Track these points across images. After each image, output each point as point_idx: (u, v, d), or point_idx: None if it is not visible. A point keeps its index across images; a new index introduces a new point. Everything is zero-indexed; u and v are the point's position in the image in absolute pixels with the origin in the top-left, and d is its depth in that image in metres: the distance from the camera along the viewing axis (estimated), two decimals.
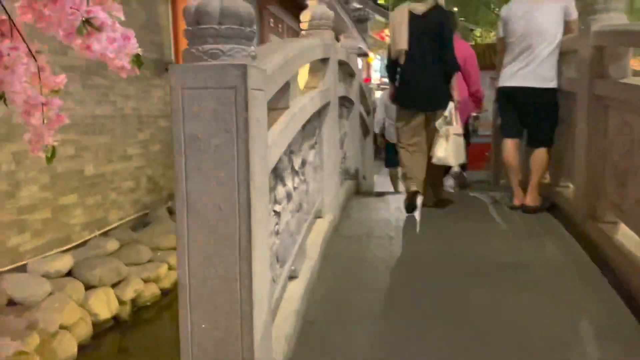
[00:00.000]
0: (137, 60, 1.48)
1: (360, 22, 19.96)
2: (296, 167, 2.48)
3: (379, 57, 27.23)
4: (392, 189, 7.54)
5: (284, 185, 2.26)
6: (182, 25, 5.85)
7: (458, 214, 3.78)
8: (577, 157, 3.28)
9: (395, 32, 3.75)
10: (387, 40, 23.49)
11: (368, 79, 29.41)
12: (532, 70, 3.59)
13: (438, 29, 3.65)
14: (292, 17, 12.20)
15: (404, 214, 3.72)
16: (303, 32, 3.32)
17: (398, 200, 4.34)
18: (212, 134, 1.51)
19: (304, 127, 2.69)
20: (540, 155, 3.65)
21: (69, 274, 4.26)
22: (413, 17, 3.67)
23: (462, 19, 22.74)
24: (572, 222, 3.23)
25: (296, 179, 2.51)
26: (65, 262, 4.24)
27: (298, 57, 2.32)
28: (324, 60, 3.21)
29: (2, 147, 4.01)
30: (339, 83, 3.86)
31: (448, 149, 3.64)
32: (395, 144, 4.11)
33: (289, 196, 2.35)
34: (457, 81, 3.81)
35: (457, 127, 3.72)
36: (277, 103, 2.33)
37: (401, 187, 4.45)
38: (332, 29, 3.41)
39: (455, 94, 3.77)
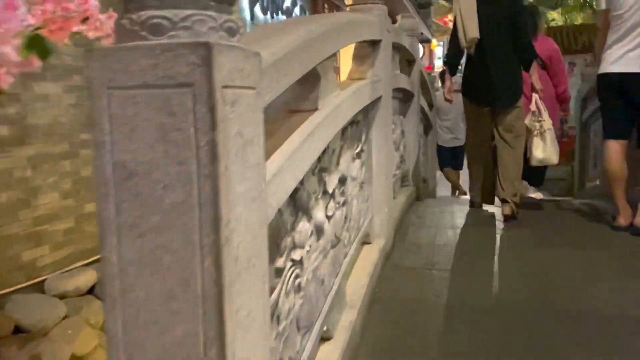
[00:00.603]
0: (35, 43, 0.88)
1: (423, 6, 18.89)
2: (330, 189, 1.81)
3: (442, 43, 25.92)
4: (450, 190, 6.79)
5: (310, 218, 1.60)
6: None
7: (544, 233, 2.99)
8: None
9: (463, 19, 3.29)
10: (450, 24, 22.30)
11: (430, 67, 28.17)
12: None
13: (511, 13, 3.25)
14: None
15: (471, 234, 2.98)
16: (347, 8, 2.62)
17: (462, 212, 3.59)
18: (155, 167, 0.87)
19: (343, 131, 2.02)
20: None
21: (91, 291, 3.80)
22: (482, 1, 3.27)
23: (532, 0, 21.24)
24: None
25: (331, 204, 1.84)
26: (87, 278, 3.78)
27: (326, 38, 1.64)
28: (374, 44, 2.51)
29: (16, 151, 3.57)
30: (394, 72, 3.15)
31: (547, 148, 3.31)
32: (463, 146, 3.57)
33: (319, 232, 1.69)
34: (536, 70, 3.38)
35: (548, 121, 3.34)
36: (301, 104, 1.67)
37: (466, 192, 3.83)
38: (387, 5, 2.70)
39: (536, 82, 3.35)
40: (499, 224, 3.24)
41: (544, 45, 3.89)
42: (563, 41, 8.73)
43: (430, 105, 5.57)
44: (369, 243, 2.53)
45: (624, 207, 2.90)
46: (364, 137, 2.41)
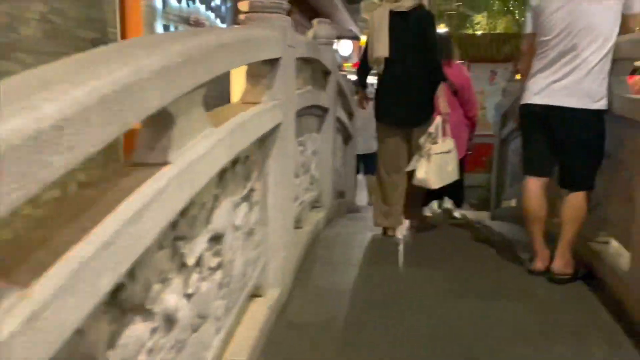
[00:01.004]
0: None
1: (352, 2, 18.67)
2: (191, 261, 1.39)
3: None
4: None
5: (149, 315, 1.17)
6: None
7: (456, 276, 2.71)
8: (637, 211, 2.21)
9: (373, 36, 3.26)
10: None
11: (358, 64, 28.14)
12: (574, 83, 2.51)
13: (422, 31, 3.21)
14: None
15: (380, 275, 2.67)
16: (242, 17, 2.19)
17: (373, 239, 3.30)
18: None
19: (221, 176, 1.60)
20: (576, 201, 2.58)
21: None
22: (394, 18, 3.19)
23: (459, 4, 21.48)
24: (628, 313, 2.18)
25: (194, 278, 1.42)
26: None
27: (187, 67, 1.21)
28: (272, 61, 2.09)
29: None
30: (304, 88, 2.76)
31: (429, 170, 3.18)
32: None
33: (169, 322, 1.27)
34: (444, 92, 3.34)
35: (442, 145, 3.24)
36: (146, 155, 1.23)
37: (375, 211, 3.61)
38: (288, 13, 2.29)
39: (442, 104, 3.29)
40: (409, 260, 2.96)
41: (457, 73, 3.93)
42: (485, 49, 8.75)
43: (350, 114, 5.26)
44: (260, 296, 2.14)
45: (542, 249, 2.68)
46: (255, 173, 2.00)
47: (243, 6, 2.17)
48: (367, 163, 6.60)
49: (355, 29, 17.29)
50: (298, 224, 2.96)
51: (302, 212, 3.00)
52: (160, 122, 1.22)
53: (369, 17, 3.42)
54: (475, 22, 25.45)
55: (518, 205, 4.46)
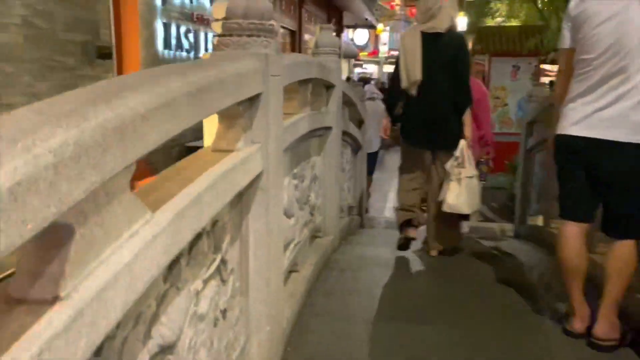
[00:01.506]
0: None
1: None
2: None
3: (388, 28, 25.18)
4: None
5: None
6: None
7: (468, 340, 2.29)
8: None
9: (407, 59, 3.17)
10: (397, 9, 21.55)
11: (375, 52, 27.50)
12: (622, 113, 2.05)
13: (453, 55, 3.16)
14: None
15: (391, 339, 2.26)
16: (215, 41, 1.78)
17: (386, 276, 2.90)
18: None
19: (170, 267, 1.22)
20: (624, 251, 2.15)
21: None
22: (426, 41, 3.15)
23: None
24: None
25: None
26: None
27: (110, 143, 0.81)
28: (251, 98, 1.68)
29: None
30: (294, 118, 2.35)
31: (460, 195, 3.17)
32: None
33: None
34: (469, 117, 3.29)
35: (470, 169, 3.24)
36: (27, 289, 0.85)
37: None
38: (275, 33, 1.87)
39: (467, 130, 3.28)
40: (420, 311, 2.55)
41: (475, 87, 3.69)
42: (508, 43, 8.20)
43: (360, 122, 4.83)
44: None
45: (581, 307, 2.25)
46: (227, 238, 1.61)
47: (216, 27, 1.75)
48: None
49: (371, 18, 16.72)
50: (294, 268, 2.57)
51: (299, 253, 2.61)
52: (48, 240, 0.83)
53: (401, 41, 3.36)
54: (495, 8, 24.61)
55: (546, 225, 4.02)
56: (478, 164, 3.95)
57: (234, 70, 1.51)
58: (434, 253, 3.47)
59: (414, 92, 3.19)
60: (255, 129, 1.73)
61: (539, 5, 6.84)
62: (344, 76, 19.16)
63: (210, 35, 7.08)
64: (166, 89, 1.09)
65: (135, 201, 1.05)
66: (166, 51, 6.08)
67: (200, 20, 6.87)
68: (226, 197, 1.48)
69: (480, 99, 3.80)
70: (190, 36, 6.61)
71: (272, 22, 1.79)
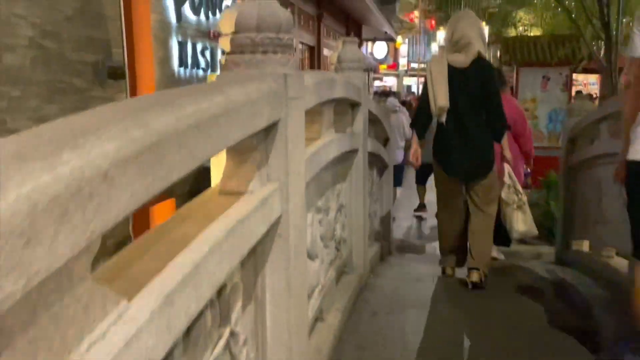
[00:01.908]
0: None
1: (387, 2, 17.81)
2: None
3: (407, 41, 24.88)
4: None
5: None
6: (139, 14, 3.99)
7: None
8: None
9: (434, 87, 3.12)
10: (416, 22, 21.20)
11: (394, 65, 27.18)
12: None
13: (483, 84, 3.11)
14: (306, 0, 10.30)
15: None
16: (221, 60, 1.47)
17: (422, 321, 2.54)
18: None
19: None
20: None
21: None
22: (453, 71, 3.11)
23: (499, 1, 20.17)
24: None
25: None
26: None
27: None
28: (266, 130, 1.36)
29: None
30: (317, 144, 2.03)
31: (528, 220, 3.31)
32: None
33: None
34: (506, 140, 3.31)
35: (524, 192, 3.37)
36: None
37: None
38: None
39: (507, 154, 3.31)
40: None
41: (510, 106, 3.70)
42: (537, 52, 7.80)
43: (386, 140, 4.49)
44: None
45: None
46: (238, 304, 1.28)
47: (224, 43, 1.44)
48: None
49: (389, 31, 16.46)
50: (320, 315, 2.24)
51: (325, 298, 2.27)
52: None
53: (427, 67, 3.33)
54: (517, 19, 24.02)
55: (595, 253, 3.62)
56: (526, 176, 4.23)
57: (245, 96, 1.20)
58: (475, 278, 3.18)
59: (443, 119, 3.13)
60: (272, 164, 1.41)
61: (572, 14, 6.43)
62: None
63: None
64: (145, 130, 0.77)
65: (101, 292, 0.73)
66: (182, 69, 5.85)
67: (218, 37, 6.65)
68: (235, 258, 1.16)
69: (517, 118, 3.78)
70: (207, 54, 6.38)
71: (290, 35, 1.47)
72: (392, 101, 7.37)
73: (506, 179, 3.19)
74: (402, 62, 25.52)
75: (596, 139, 3.74)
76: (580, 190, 4.06)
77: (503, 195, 3.20)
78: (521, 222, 3.25)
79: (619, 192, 3.34)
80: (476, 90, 3.08)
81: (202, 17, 6.25)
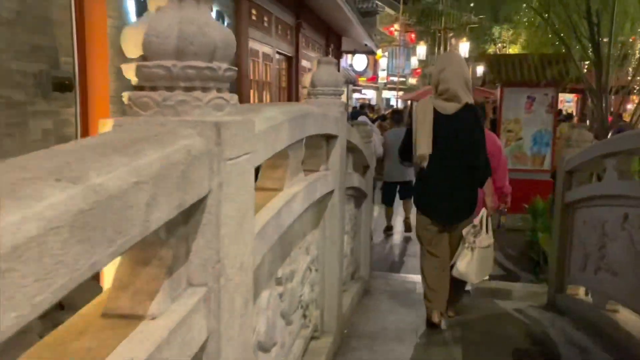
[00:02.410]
0: None
1: (367, 14, 17.45)
2: None
3: (386, 54, 24.54)
4: None
5: None
6: (94, 18, 3.42)
7: None
8: None
9: (418, 130, 3.08)
10: (396, 35, 20.87)
11: (374, 77, 26.82)
12: None
13: (469, 132, 3.06)
14: (282, 8, 9.82)
15: None
16: (126, 97, 0.95)
17: None
18: None
19: None
20: None
21: None
22: (439, 116, 3.05)
23: (482, 16, 19.98)
24: None
25: None
26: None
27: None
28: (184, 214, 0.85)
29: None
30: (280, 198, 1.53)
31: (472, 264, 3.14)
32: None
33: None
34: (490, 186, 3.32)
35: (486, 238, 3.18)
36: None
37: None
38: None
39: (489, 200, 3.31)
40: None
41: (489, 140, 3.53)
42: (524, 72, 7.40)
43: (366, 167, 4.01)
44: None
45: None
46: None
47: (128, 72, 0.93)
48: (402, 189, 6.59)
49: (370, 44, 16.09)
50: None
51: None
52: None
53: (415, 111, 3.21)
54: (497, 35, 23.83)
55: (599, 305, 3.19)
56: (500, 213, 4.07)
57: (152, 168, 0.68)
58: (449, 316, 3.30)
59: (424, 164, 3.07)
60: (195, 261, 0.90)
61: (561, 34, 6.06)
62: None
63: None
64: None
65: None
66: None
67: None
68: None
69: (494, 152, 3.61)
70: None
71: (229, 55, 0.96)
72: (362, 119, 7.13)
73: (476, 220, 3.14)
74: (382, 75, 25.17)
75: (602, 177, 3.32)
76: (579, 230, 3.63)
77: (464, 232, 3.14)
78: (464, 263, 3.11)
79: (630, 240, 2.94)
80: (462, 136, 3.04)
81: None
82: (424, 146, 3.02)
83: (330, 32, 14.07)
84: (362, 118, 7.45)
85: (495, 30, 21.79)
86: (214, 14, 6.77)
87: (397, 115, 7.47)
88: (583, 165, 3.55)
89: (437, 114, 3.03)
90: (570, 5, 5.79)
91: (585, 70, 6.51)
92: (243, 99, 7.79)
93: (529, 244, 6.42)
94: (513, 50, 22.57)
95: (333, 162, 2.39)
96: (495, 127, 7.92)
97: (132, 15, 5.06)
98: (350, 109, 12.90)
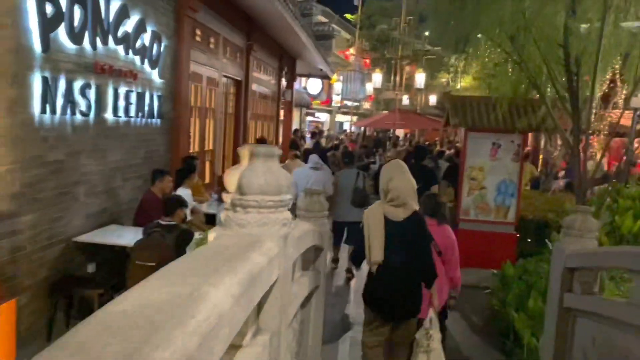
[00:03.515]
0: None
1: (323, 38, 16.75)
2: None
3: (341, 78, 23.90)
4: None
5: None
6: None
7: None
8: None
9: (371, 237, 3.24)
10: (352, 60, 20.29)
11: (328, 101, 26.14)
12: None
13: (417, 238, 3.28)
14: (232, 28, 8.83)
15: None
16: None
17: None
18: None
19: None
20: None
21: None
22: (389, 222, 3.25)
23: (438, 47, 19.71)
24: None
25: None
26: None
27: None
28: None
29: None
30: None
31: None
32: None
33: None
34: (437, 287, 3.44)
35: (437, 339, 3.27)
36: None
37: None
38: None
39: (435, 301, 3.41)
40: None
41: (443, 234, 3.91)
42: (490, 118, 6.72)
43: (319, 249, 3.09)
44: None
45: None
46: None
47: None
48: (350, 230, 6.63)
49: (325, 68, 15.35)
50: None
51: None
52: None
53: (364, 216, 3.36)
54: (450, 65, 23.63)
55: None
56: (450, 298, 4.12)
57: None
58: None
59: (374, 270, 3.23)
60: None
61: (533, 77, 5.41)
62: (295, 126, 17.64)
63: (123, 90, 5.25)
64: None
65: None
66: (47, 116, 4.20)
67: (110, 71, 5.01)
68: None
69: (448, 246, 3.88)
70: (90, 93, 4.76)
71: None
72: (314, 158, 7.10)
73: (426, 322, 3.27)
74: (336, 98, 24.54)
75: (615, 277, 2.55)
76: (584, 346, 2.87)
77: (417, 335, 3.29)
78: None
79: None
80: (410, 242, 3.23)
81: (87, 44, 4.64)
82: (378, 253, 3.17)
83: (284, 55, 13.23)
84: (313, 158, 7.15)
85: (450, 60, 21.61)
86: (148, 36, 5.72)
87: (347, 158, 7.37)
88: (592, 271, 2.77)
89: (387, 220, 3.21)
90: (546, 51, 5.12)
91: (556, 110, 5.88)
92: (181, 127, 6.76)
93: (494, 312, 5.64)
94: (466, 81, 22.49)
95: (267, 320, 1.45)
96: (456, 173, 7.22)
97: (36, 36, 3.99)
98: (303, 146, 11.96)
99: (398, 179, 3.22)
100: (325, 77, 17.63)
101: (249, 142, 10.45)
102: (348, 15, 28.66)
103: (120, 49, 5.27)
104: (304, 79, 18.39)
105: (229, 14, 8.53)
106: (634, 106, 7.74)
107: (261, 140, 10.10)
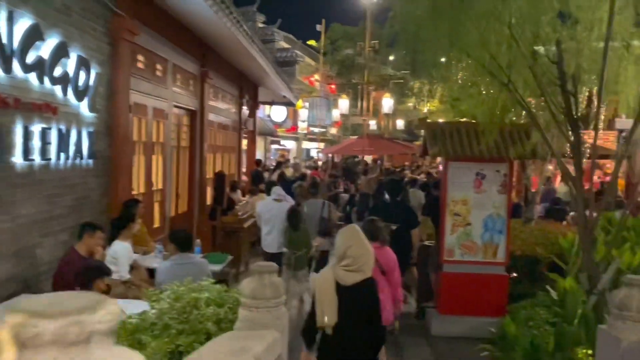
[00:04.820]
0: None
1: (286, 64, 15.96)
2: None
3: (307, 104, 23.15)
4: None
5: None
6: None
7: None
8: None
9: (322, 305, 3.23)
10: (317, 85, 19.52)
11: (294, 128, 25.34)
12: None
13: (368, 301, 3.30)
14: (183, 54, 7.87)
15: None
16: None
17: None
18: None
19: None
20: None
21: None
22: (340, 287, 3.23)
23: (406, 71, 19.16)
24: None
25: None
26: None
27: None
28: None
29: None
30: None
31: None
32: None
33: None
34: (384, 348, 3.53)
35: None
36: None
37: None
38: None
39: (383, 358, 3.56)
40: None
41: (385, 255, 4.23)
42: (472, 148, 5.91)
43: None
44: None
45: None
46: None
47: None
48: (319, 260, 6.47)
49: (289, 95, 14.51)
50: None
51: None
52: None
53: (314, 282, 3.52)
54: (415, 88, 23.26)
55: None
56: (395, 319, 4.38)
57: None
58: None
59: (329, 331, 3.22)
60: None
61: (524, 101, 4.64)
62: (259, 155, 16.72)
63: (37, 128, 4.24)
64: None
65: None
66: None
67: (16, 105, 3.98)
68: None
69: (390, 266, 4.26)
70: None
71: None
72: (277, 190, 7.14)
73: None
74: (302, 125, 23.73)
75: None
76: None
77: None
78: None
79: None
80: (362, 305, 3.26)
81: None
82: (330, 319, 3.16)
83: (244, 82, 12.31)
84: (276, 190, 7.08)
85: (414, 84, 21.20)
86: (72, 62, 4.71)
87: (314, 189, 7.46)
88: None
89: (337, 285, 3.21)
90: (540, 73, 4.36)
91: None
92: (120, 167, 5.72)
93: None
94: (432, 105, 22.11)
95: None
96: (437, 207, 6.36)
97: None
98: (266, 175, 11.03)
99: (357, 246, 3.24)
100: (289, 103, 16.80)
101: (206, 177, 9.44)
102: (312, 42, 28.19)
103: (31, 78, 4.26)
104: (267, 106, 17.55)
105: (179, 39, 7.60)
106: (618, 127, 7.19)
107: (219, 174, 9.10)
